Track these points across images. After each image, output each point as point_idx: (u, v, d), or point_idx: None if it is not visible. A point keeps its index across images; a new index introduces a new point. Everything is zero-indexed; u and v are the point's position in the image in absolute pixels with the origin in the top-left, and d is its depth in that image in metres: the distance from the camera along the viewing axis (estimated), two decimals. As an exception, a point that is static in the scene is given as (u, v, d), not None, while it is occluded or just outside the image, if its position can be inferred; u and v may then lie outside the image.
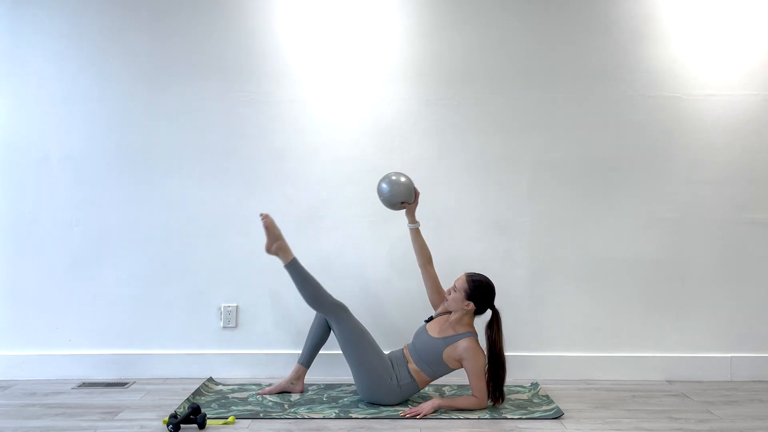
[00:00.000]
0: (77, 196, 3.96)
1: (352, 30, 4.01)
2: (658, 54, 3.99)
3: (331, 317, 3.43)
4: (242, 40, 3.99)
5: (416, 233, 3.58)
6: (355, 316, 3.46)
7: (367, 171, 3.97)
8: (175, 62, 3.98)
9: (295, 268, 3.45)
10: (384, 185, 3.51)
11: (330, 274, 3.94)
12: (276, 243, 3.47)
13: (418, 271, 3.88)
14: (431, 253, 3.60)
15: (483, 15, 4.01)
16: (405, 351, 3.47)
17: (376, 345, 3.43)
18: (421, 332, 3.48)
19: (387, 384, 3.35)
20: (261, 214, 3.49)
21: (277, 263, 3.94)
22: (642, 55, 3.99)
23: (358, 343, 3.37)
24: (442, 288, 3.59)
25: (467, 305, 3.36)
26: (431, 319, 3.53)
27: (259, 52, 4.00)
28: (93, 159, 3.97)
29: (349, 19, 4.01)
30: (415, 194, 3.55)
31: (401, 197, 3.50)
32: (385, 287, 3.97)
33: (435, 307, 3.60)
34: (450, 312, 3.44)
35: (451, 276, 3.55)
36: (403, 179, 3.51)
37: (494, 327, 3.34)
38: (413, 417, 3.23)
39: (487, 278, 3.42)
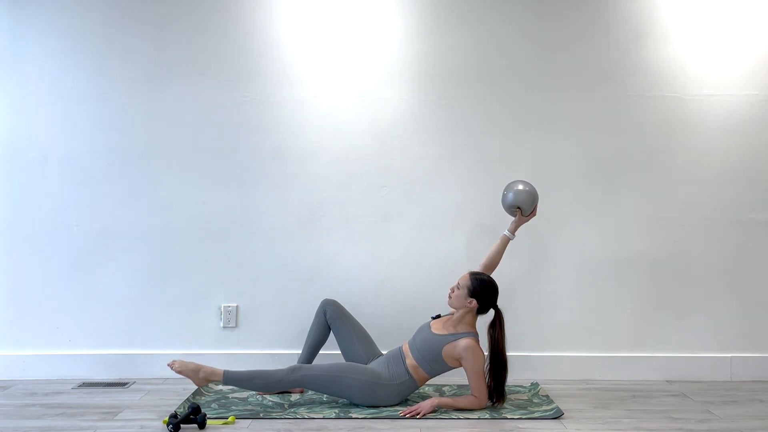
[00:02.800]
0: (77, 196, 3.96)
1: (352, 30, 4.01)
2: (658, 54, 3.99)
3: (296, 384, 3.34)
4: (242, 40, 3.99)
5: (504, 242, 3.57)
6: (314, 365, 3.40)
7: (367, 171, 3.98)
8: (174, 62, 3.98)
9: (233, 379, 3.31)
10: (513, 189, 3.54)
11: (330, 275, 3.95)
12: (200, 374, 3.32)
13: (418, 271, 3.90)
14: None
15: (483, 15, 4.01)
16: (404, 347, 3.47)
17: (346, 364, 3.38)
18: (424, 328, 3.48)
19: (380, 385, 3.34)
20: (168, 365, 3.36)
21: (277, 263, 3.95)
22: (642, 55, 3.99)
23: (333, 381, 3.31)
24: None
25: (470, 303, 3.36)
26: (438, 316, 3.52)
27: (259, 52, 4.00)
28: (93, 159, 3.97)
29: (349, 19, 4.01)
30: (533, 211, 3.57)
31: (521, 202, 3.52)
32: (385, 287, 3.97)
33: None
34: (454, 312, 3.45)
35: (452, 276, 3.54)
36: (528, 188, 3.54)
37: (497, 326, 3.34)
38: (413, 416, 3.23)
39: (491, 277, 3.43)
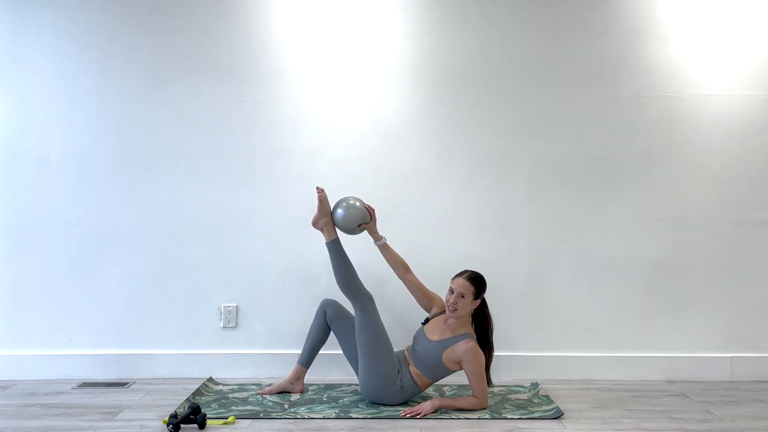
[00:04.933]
0: (77, 196, 3.96)
1: (352, 29, 4.01)
2: (658, 54, 3.99)
3: (357, 304, 3.43)
4: (243, 40, 3.99)
5: (385, 248, 3.58)
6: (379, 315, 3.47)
7: (367, 171, 3.98)
8: (175, 62, 3.98)
9: (336, 248, 3.48)
10: (338, 212, 3.49)
11: (330, 275, 3.93)
12: (324, 219, 3.51)
13: (418, 272, 3.88)
14: (407, 262, 3.59)
15: (483, 15, 4.01)
16: (406, 353, 3.47)
17: (391, 346, 3.42)
18: (420, 335, 3.48)
19: (391, 386, 3.35)
20: (317, 187, 3.53)
21: (277, 263, 3.95)
22: (642, 55, 3.99)
23: (376, 339, 3.37)
24: (428, 290, 3.59)
25: (475, 304, 3.38)
26: (428, 320, 3.53)
27: (259, 52, 4.00)
28: (93, 159, 3.97)
29: (349, 19, 4.01)
30: (370, 212, 3.54)
31: (356, 220, 3.49)
32: (385, 287, 3.96)
33: (427, 310, 3.59)
34: (444, 312, 3.45)
35: (452, 275, 3.53)
36: (352, 202, 3.49)
37: (486, 309, 3.42)
38: (413, 417, 3.23)
39: (475, 270, 3.45)
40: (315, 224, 3.54)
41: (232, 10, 4.00)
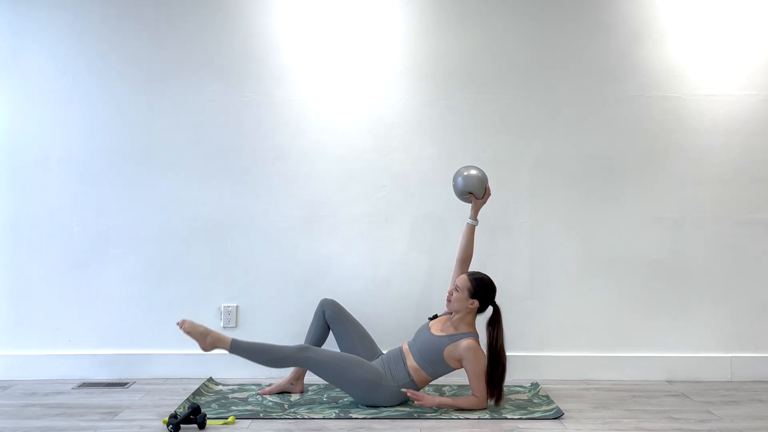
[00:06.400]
0: (77, 196, 3.96)
1: (353, 30, 4.01)
2: (658, 54, 3.99)
3: (300, 364, 3.37)
4: (243, 40, 3.99)
5: (471, 230, 3.58)
6: (324, 349, 3.42)
7: (368, 171, 3.98)
8: (175, 62, 3.98)
9: (240, 348, 3.29)
10: (458, 180, 3.55)
11: (330, 274, 3.95)
12: (207, 339, 3.25)
13: (419, 271, 3.90)
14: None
15: (483, 15, 4.01)
16: (404, 348, 3.46)
17: (354, 357, 3.38)
18: (423, 330, 3.48)
19: (382, 385, 3.34)
20: (177, 323, 3.28)
21: (277, 263, 3.96)
22: (642, 55, 3.99)
23: (337, 370, 3.32)
24: None
25: (472, 303, 3.36)
26: (435, 317, 3.53)
27: (259, 53, 4.00)
28: (93, 159, 3.97)
29: (350, 19, 4.01)
30: (486, 192, 3.56)
31: (470, 188, 3.52)
32: (385, 287, 3.97)
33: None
34: (451, 312, 3.44)
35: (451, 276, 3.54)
36: (475, 173, 3.54)
37: (495, 324, 3.35)
38: (414, 398, 3.28)
39: (487, 275, 3.43)
40: (206, 349, 3.27)
41: (233, 11, 4.00)
